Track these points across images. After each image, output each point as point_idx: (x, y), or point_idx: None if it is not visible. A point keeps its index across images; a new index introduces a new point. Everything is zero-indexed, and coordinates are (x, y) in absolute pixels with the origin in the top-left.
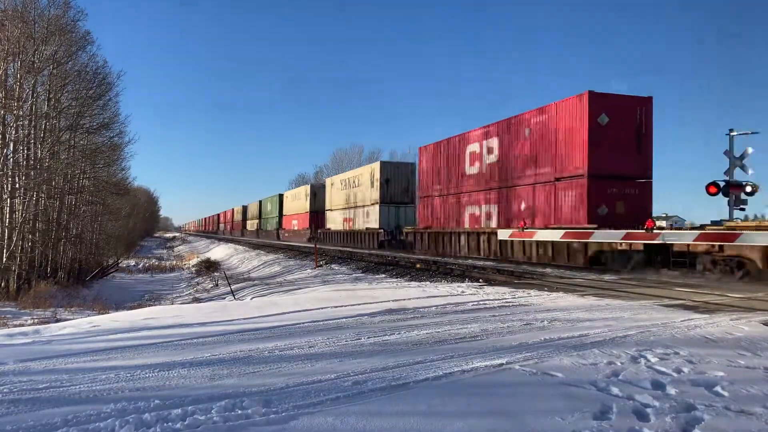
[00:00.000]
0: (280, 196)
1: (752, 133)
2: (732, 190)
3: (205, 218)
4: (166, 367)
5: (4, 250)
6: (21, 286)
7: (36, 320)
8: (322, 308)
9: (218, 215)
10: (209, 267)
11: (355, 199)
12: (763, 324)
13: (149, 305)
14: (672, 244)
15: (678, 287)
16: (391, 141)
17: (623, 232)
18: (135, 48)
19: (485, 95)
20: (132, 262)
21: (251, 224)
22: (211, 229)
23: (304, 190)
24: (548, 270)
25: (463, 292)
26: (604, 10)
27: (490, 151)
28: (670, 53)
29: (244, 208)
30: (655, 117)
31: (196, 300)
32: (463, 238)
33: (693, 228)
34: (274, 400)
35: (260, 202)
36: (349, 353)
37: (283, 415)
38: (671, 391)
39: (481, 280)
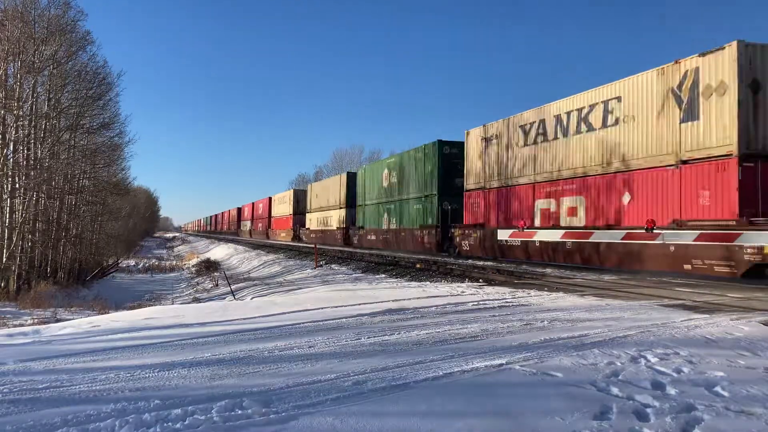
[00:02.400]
0: (442, 144)
1: None
2: None
3: (214, 216)
4: (166, 367)
5: (4, 250)
6: (21, 286)
7: (36, 320)
8: (322, 308)
9: (238, 210)
10: (209, 267)
11: None
12: (763, 324)
13: (149, 305)
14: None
15: (678, 287)
16: (391, 141)
17: (623, 232)
18: (135, 48)
19: (485, 95)
20: (132, 262)
21: (321, 219)
22: (225, 229)
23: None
24: (548, 270)
25: (463, 292)
26: None
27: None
28: None
29: (298, 195)
30: None
31: (196, 300)
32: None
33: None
34: (273, 400)
35: (350, 174)
36: (349, 353)
37: (282, 415)
38: (671, 391)
39: (481, 280)
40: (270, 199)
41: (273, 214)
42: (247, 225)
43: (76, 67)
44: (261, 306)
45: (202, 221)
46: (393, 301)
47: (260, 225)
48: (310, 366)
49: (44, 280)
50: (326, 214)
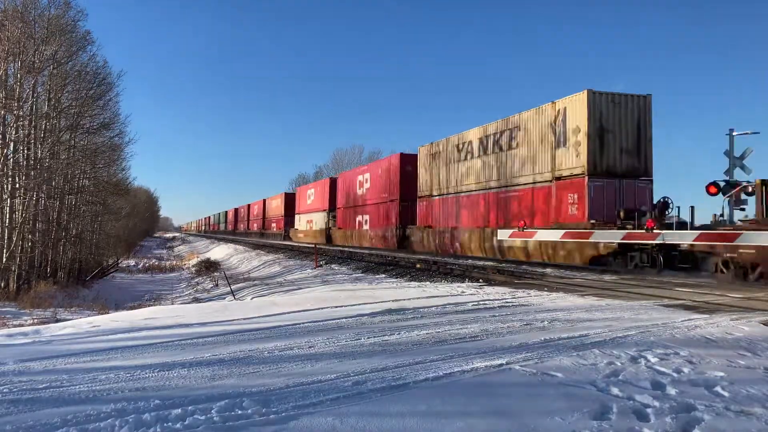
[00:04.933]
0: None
1: (752, 133)
2: (732, 190)
3: (234, 210)
4: (166, 367)
5: (4, 250)
6: (21, 286)
7: (36, 320)
8: (322, 308)
9: (286, 197)
10: (209, 267)
11: None
12: (763, 324)
13: (149, 305)
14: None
15: (678, 287)
16: (391, 141)
17: (623, 232)
18: (136, 48)
19: (484, 94)
20: (132, 262)
21: None
22: (252, 229)
23: None
24: (548, 270)
25: (463, 292)
26: (607, 5)
27: None
28: (671, 51)
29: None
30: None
31: (196, 300)
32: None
33: (694, 228)
34: (273, 401)
35: None
36: (348, 353)
37: (282, 416)
38: (671, 391)
39: (481, 280)
40: (399, 159)
41: (420, 193)
42: (318, 220)
43: (76, 67)
44: (261, 306)
45: (211, 218)
46: (393, 301)
47: (360, 221)
48: (310, 366)
49: (44, 280)
50: None
